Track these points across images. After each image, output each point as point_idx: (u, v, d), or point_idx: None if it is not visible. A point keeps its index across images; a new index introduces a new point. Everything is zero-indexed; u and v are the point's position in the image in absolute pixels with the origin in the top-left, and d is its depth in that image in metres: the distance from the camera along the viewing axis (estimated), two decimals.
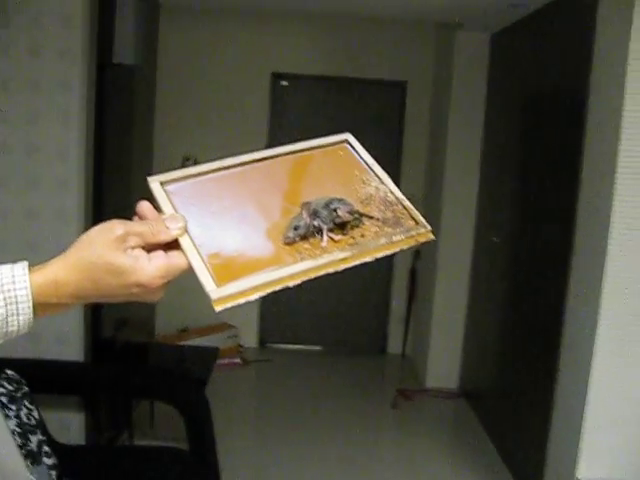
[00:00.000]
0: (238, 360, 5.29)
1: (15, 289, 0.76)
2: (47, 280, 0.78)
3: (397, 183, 0.94)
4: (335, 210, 0.86)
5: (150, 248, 0.80)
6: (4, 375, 2.25)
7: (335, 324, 5.82)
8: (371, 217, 0.90)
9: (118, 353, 3.43)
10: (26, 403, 2.24)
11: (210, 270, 0.80)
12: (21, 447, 2.06)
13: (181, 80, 5.28)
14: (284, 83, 5.39)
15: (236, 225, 0.88)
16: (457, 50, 4.61)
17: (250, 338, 5.71)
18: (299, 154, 0.97)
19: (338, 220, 0.86)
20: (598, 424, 2.72)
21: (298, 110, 5.47)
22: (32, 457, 2.10)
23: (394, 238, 0.87)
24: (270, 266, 0.82)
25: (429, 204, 5.16)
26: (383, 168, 0.97)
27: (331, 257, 0.83)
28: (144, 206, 0.83)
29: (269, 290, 0.81)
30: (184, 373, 2.91)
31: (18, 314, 0.76)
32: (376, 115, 5.47)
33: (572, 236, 2.96)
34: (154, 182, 0.88)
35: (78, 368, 2.86)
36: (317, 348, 5.81)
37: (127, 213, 0.85)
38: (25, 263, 0.79)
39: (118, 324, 3.60)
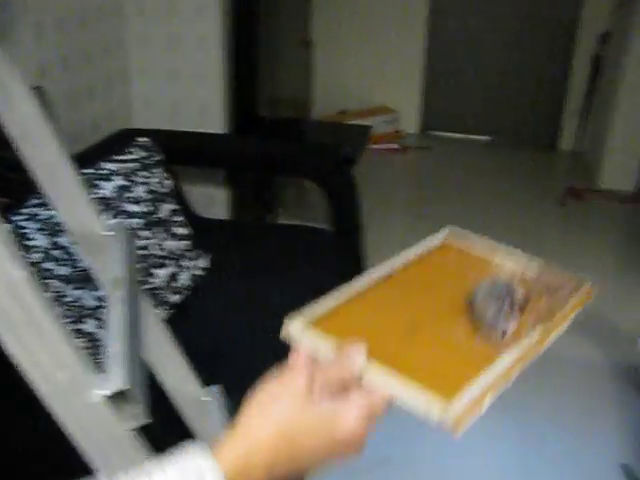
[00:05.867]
0: (396, 145, 5.05)
1: None
2: (237, 465, 0.59)
3: None
4: (512, 290, 0.75)
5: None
6: (135, 142, 2.15)
7: (504, 114, 5.38)
8: (535, 289, 0.78)
9: (267, 129, 3.27)
10: (158, 171, 2.14)
11: (420, 388, 0.62)
12: (149, 214, 1.98)
13: None
14: None
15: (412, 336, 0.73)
16: None
17: (411, 123, 5.42)
18: (411, 261, 0.86)
19: (520, 301, 0.75)
20: None
21: None
22: (163, 225, 2.03)
23: (570, 300, 0.76)
24: (480, 365, 0.67)
25: None
26: None
27: (528, 340, 0.70)
28: (301, 360, 0.66)
29: (496, 392, 0.64)
30: (330, 149, 2.67)
31: None
32: None
33: None
34: (295, 325, 0.71)
35: (219, 140, 2.73)
36: (483, 138, 5.43)
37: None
38: (207, 451, 0.59)
39: (271, 103, 3.42)
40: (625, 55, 4.22)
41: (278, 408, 0.61)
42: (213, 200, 2.98)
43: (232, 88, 2.99)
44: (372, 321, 0.75)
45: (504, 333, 0.71)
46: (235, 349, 1.76)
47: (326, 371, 0.64)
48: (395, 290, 0.81)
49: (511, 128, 5.41)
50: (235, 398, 1.36)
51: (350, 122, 4.43)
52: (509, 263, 0.84)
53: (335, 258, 2.39)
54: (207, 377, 1.12)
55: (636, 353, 2.03)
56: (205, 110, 2.92)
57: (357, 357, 0.64)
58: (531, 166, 5.04)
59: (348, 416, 0.61)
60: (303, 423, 0.60)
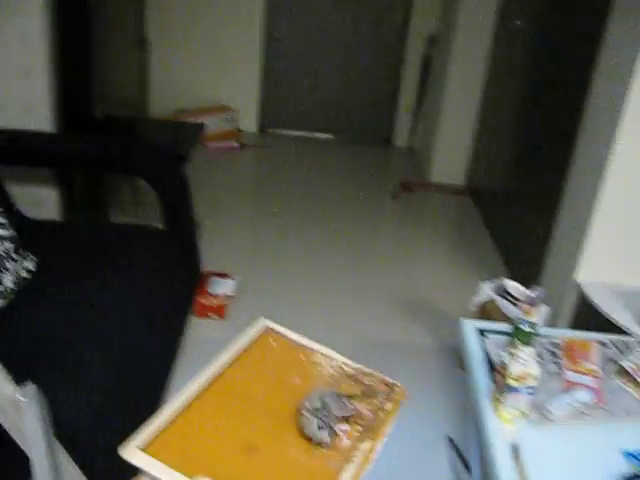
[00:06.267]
0: (235, 144, 5.07)
1: None
2: None
3: None
4: (338, 402, 0.80)
5: None
6: None
7: (341, 112, 5.54)
8: (355, 396, 0.84)
9: (100, 128, 3.19)
10: None
11: None
12: None
13: None
14: None
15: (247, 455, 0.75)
16: None
17: (250, 122, 5.46)
18: (234, 362, 0.89)
19: (344, 413, 0.79)
20: (605, 229, 2.53)
21: None
22: None
23: (386, 407, 0.84)
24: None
25: None
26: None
27: (361, 453, 0.75)
28: None
29: None
30: (161, 147, 2.65)
31: None
32: None
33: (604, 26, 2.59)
34: (132, 455, 0.70)
35: (45, 138, 2.64)
36: (323, 136, 5.57)
37: None
38: None
39: (105, 101, 3.34)
40: (449, 56, 4.48)
41: None
42: (42, 201, 2.87)
43: (60, 86, 2.89)
44: (206, 441, 0.76)
45: (331, 444, 0.75)
46: (60, 350, 1.71)
47: None
48: (222, 401, 0.82)
49: (350, 126, 5.58)
50: (57, 397, 1.33)
51: (186, 120, 4.40)
52: (327, 364, 0.89)
53: (168, 257, 2.37)
54: (30, 378, 1.09)
55: (459, 336, 2.19)
56: (31, 108, 2.80)
57: None
58: (368, 162, 5.23)
59: None
60: None
